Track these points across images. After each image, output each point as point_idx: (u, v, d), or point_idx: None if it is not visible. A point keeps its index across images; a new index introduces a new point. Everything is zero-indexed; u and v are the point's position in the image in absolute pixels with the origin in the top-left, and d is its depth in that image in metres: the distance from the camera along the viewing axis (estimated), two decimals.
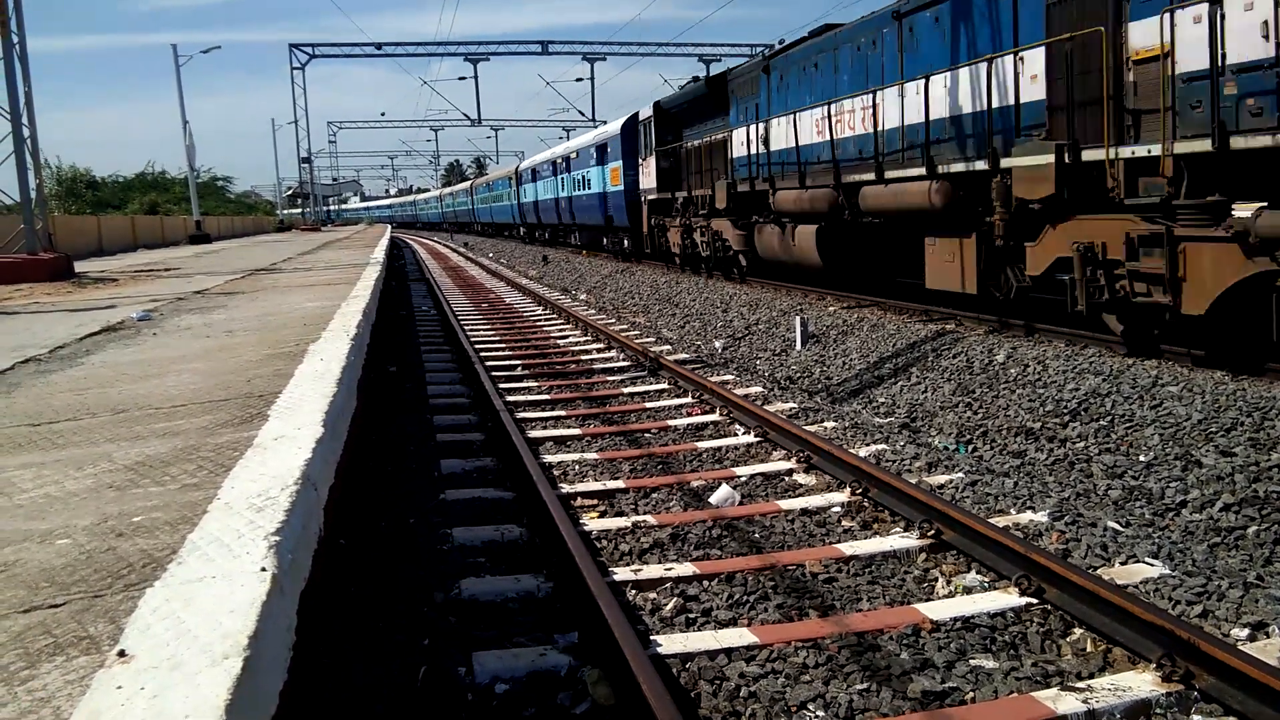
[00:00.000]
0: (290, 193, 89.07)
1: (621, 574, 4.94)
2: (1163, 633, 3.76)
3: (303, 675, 2.76)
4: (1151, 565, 4.85)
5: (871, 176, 13.03)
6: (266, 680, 2.24)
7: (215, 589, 2.44)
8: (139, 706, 1.92)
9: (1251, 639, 4.07)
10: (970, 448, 7.62)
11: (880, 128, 12.89)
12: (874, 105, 12.93)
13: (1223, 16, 7.43)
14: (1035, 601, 4.43)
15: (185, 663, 2.06)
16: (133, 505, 3.53)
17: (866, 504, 5.98)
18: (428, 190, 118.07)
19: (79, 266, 21.06)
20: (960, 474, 6.57)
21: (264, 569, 2.53)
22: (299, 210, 79.85)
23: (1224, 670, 3.50)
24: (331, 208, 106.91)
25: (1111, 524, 5.53)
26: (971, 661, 3.95)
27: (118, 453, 4.41)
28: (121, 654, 2.16)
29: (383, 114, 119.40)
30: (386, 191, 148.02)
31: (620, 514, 6.08)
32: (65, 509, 3.57)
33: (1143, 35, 8.43)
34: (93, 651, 2.31)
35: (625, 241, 28.62)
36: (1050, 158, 9.30)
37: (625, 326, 15.46)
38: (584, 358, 12.46)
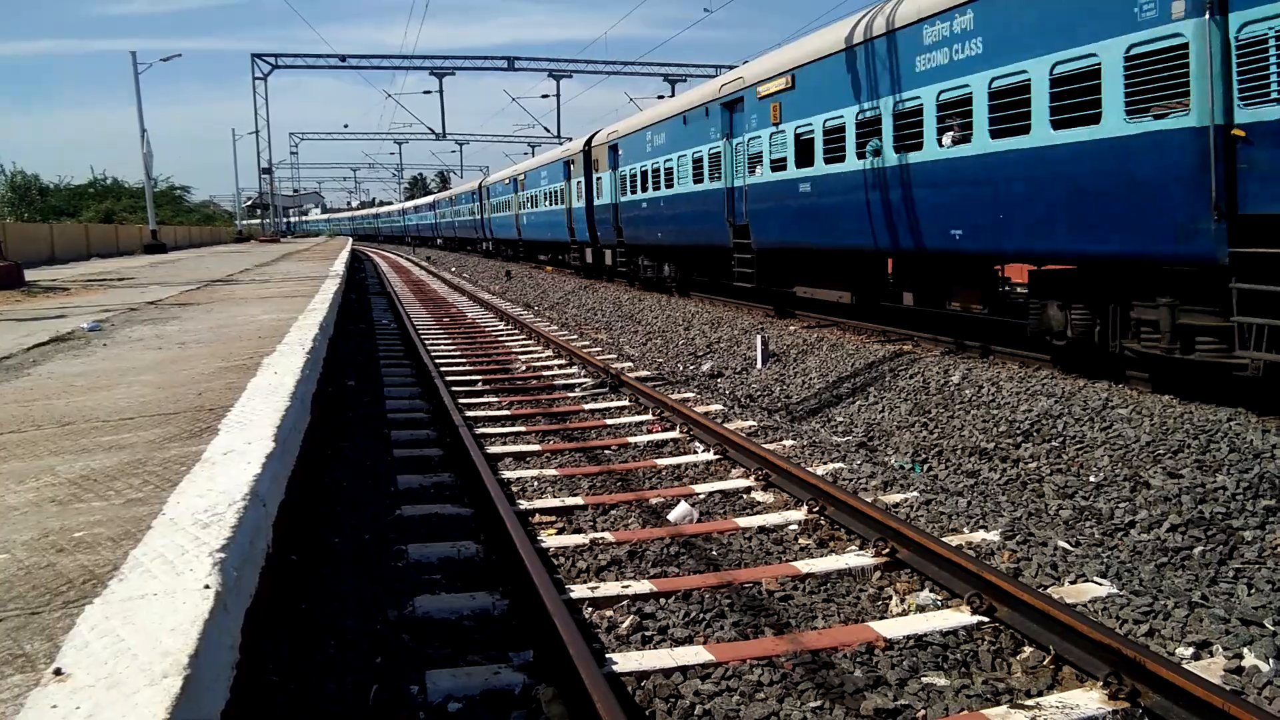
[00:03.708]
0: (250, 203, 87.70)
1: (578, 591, 4.91)
2: (1110, 651, 3.82)
3: (247, 695, 2.71)
4: (1100, 584, 4.93)
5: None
6: (207, 700, 2.19)
7: (157, 606, 2.38)
8: None
9: (1196, 658, 4.15)
10: (925, 467, 7.71)
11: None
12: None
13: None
14: (987, 620, 4.48)
15: (123, 682, 2.01)
16: (75, 520, 3.45)
17: (823, 522, 6.01)
18: (390, 204, 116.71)
19: (29, 275, 20.61)
20: (915, 493, 6.64)
21: (208, 586, 2.48)
22: (258, 221, 78.72)
23: (1169, 689, 3.56)
24: (292, 219, 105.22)
25: (1062, 543, 5.62)
26: (923, 679, 3.98)
27: (62, 466, 4.30)
28: (58, 672, 2.10)
29: (346, 126, 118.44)
30: (348, 204, 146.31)
31: (579, 531, 6.06)
32: (4, 523, 3.47)
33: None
34: (28, 670, 2.25)
35: (588, 255, 28.84)
36: None
37: (587, 343, 15.45)
38: (545, 373, 12.42)
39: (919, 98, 10.85)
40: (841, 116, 12.64)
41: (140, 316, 11.93)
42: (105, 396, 6.13)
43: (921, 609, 4.72)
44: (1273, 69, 7.03)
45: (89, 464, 4.31)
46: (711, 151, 17.64)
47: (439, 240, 70.29)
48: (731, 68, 21.28)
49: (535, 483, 7.21)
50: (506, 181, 41.66)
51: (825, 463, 7.55)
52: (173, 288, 17.46)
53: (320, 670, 4.00)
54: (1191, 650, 4.20)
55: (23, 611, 2.62)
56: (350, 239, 72.31)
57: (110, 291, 17.30)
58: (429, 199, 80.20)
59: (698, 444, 8.21)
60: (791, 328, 14.37)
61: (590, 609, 4.76)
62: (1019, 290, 13.16)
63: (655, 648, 4.32)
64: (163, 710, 1.90)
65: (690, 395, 10.64)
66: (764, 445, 7.82)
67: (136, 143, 39.47)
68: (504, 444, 8.52)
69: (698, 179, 18.39)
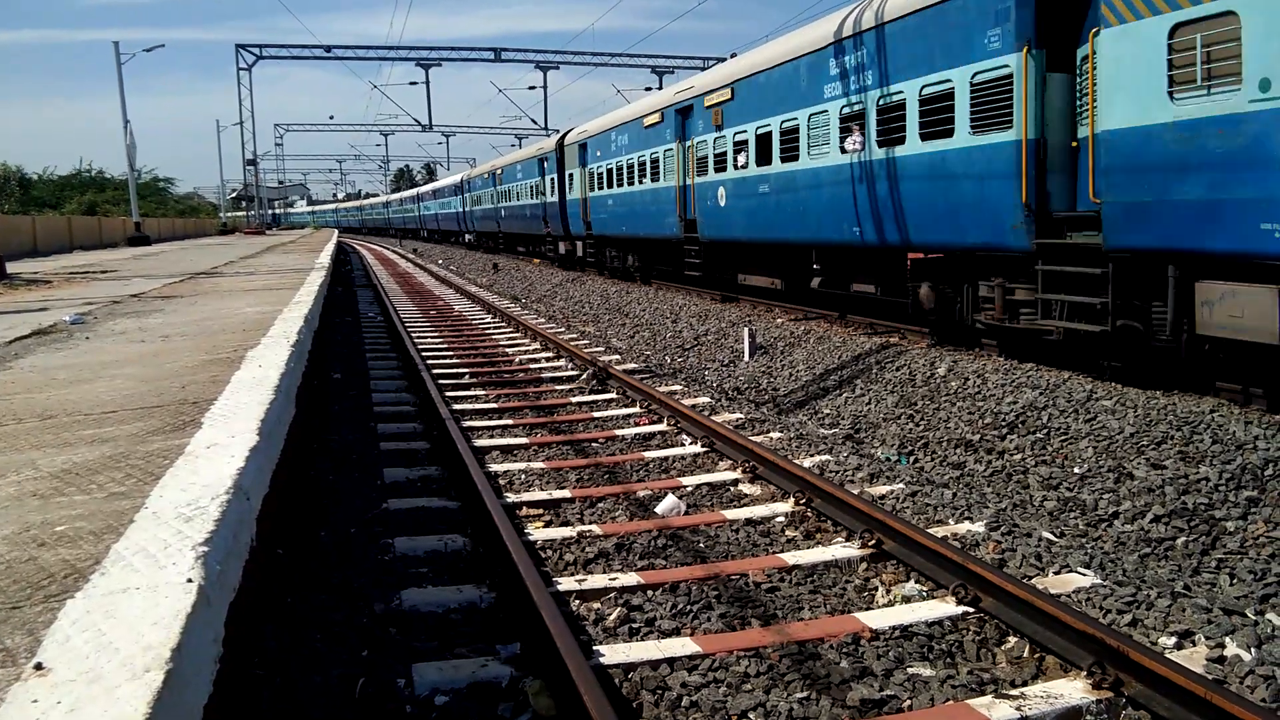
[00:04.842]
0: (234, 195, 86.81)
1: (566, 584, 4.91)
2: (1094, 641, 3.84)
3: (231, 688, 2.69)
4: (1084, 575, 4.96)
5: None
6: (189, 694, 2.18)
7: (139, 600, 2.36)
8: None
9: (1179, 647, 4.18)
10: (911, 459, 7.74)
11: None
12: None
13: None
14: (972, 610, 4.50)
15: (104, 676, 1.99)
16: (57, 514, 3.42)
17: (810, 514, 6.03)
18: (377, 195, 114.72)
19: (11, 267, 20.41)
20: (901, 485, 6.66)
21: (190, 580, 2.46)
22: (243, 213, 77.90)
23: (1152, 678, 3.59)
24: (278, 211, 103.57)
25: (1046, 534, 5.65)
26: (909, 669, 4.00)
27: (43, 460, 4.26)
28: (38, 667, 2.09)
29: (331, 117, 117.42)
30: (334, 196, 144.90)
31: (566, 524, 6.05)
32: None
33: None
34: (9, 664, 2.23)
35: None
36: None
37: (575, 335, 15.43)
38: (532, 366, 12.40)
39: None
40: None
41: (123, 309, 11.83)
42: (87, 390, 6.08)
43: (907, 600, 4.74)
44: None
45: (71, 458, 4.27)
46: None
47: (467, 236, 52.09)
48: (721, 60, 20.77)
49: (523, 475, 7.20)
50: (625, 124, 22.28)
51: (812, 455, 7.57)
52: (156, 280, 17.33)
53: (306, 664, 3.98)
54: (1174, 640, 4.24)
55: (3, 606, 2.59)
56: (336, 231, 70.96)
57: (93, 284, 17.16)
58: (453, 179, 57.53)
59: (685, 436, 8.22)
60: (779, 320, 14.38)
61: (577, 601, 4.76)
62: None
63: (642, 639, 4.32)
64: (144, 704, 1.88)
65: (678, 388, 10.65)
66: (751, 438, 7.83)
67: (120, 134, 39.10)
68: (491, 436, 8.50)
69: None
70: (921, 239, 11.11)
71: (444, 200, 58.92)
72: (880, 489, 6.59)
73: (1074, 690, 3.73)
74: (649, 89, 44.93)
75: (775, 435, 8.29)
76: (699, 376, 11.75)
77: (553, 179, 29.67)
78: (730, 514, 6.10)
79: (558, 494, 6.62)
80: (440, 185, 63.46)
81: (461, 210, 51.55)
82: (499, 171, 39.87)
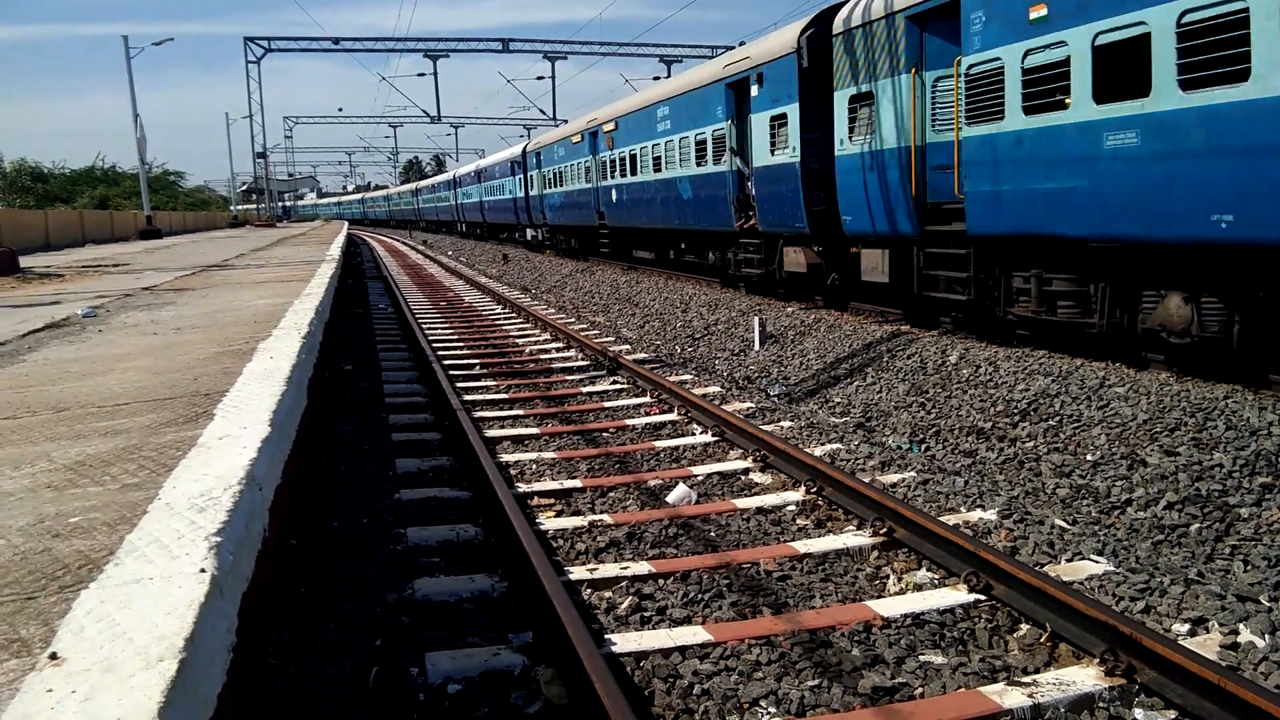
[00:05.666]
0: (245, 188, 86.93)
1: (577, 573, 4.92)
2: (1106, 628, 3.83)
3: (244, 677, 2.71)
4: (1097, 562, 4.94)
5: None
6: (203, 683, 2.19)
7: (152, 590, 2.38)
8: (69, 710, 1.87)
9: (1192, 634, 4.16)
10: (923, 447, 7.72)
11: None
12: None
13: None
14: (984, 598, 4.49)
15: (118, 665, 2.01)
16: (71, 505, 3.44)
17: (821, 502, 6.02)
18: (386, 186, 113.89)
19: (24, 261, 20.58)
20: (913, 473, 6.64)
21: (203, 570, 2.48)
22: (254, 206, 77.94)
23: (1165, 665, 3.57)
24: (288, 203, 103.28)
25: (1059, 522, 5.63)
26: (921, 657, 3.99)
27: (57, 452, 4.29)
28: (53, 656, 2.10)
29: (340, 109, 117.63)
30: (344, 188, 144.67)
31: (577, 513, 6.06)
32: (0, 509, 3.46)
33: None
34: (24, 654, 2.25)
35: None
36: None
37: (585, 326, 15.43)
38: (543, 357, 12.40)
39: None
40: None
41: (135, 302, 11.90)
42: (100, 382, 6.12)
43: (919, 588, 4.73)
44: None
45: (84, 449, 4.30)
46: None
47: (530, 232, 36.30)
48: (729, 48, 20.84)
49: (534, 465, 7.21)
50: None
51: (823, 444, 7.55)
52: (168, 273, 17.41)
53: (319, 653, 4.01)
54: (1188, 627, 4.22)
55: (18, 596, 2.61)
56: (345, 224, 70.64)
57: (105, 277, 17.25)
58: (507, 153, 40.28)
59: (696, 426, 8.21)
60: (789, 309, 14.35)
61: (589, 590, 4.77)
62: None
63: (654, 628, 4.33)
64: (158, 693, 1.89)
65: (688, 377, 10.64)
66: (762, 427, 7.82)
67: (130, 129, 39.21)
68: (502, 427, 8.52)
69: None
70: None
71: (492, 184, 42.39)
72: (891, 477, 6.57)
73: (1086, 677, 3.72)
74: (657, 78, 44.46)
75: (786, 424, 8.27)
76: (709, 366, 11.74)
77: (776, 118, 14.20)
78: (741, 503, 6.10)
79: (569, 484, 6.63)
80: (487, 164, 45.43)
81: (520, 195, 36.13)
82: (609, 127, 23.92)
